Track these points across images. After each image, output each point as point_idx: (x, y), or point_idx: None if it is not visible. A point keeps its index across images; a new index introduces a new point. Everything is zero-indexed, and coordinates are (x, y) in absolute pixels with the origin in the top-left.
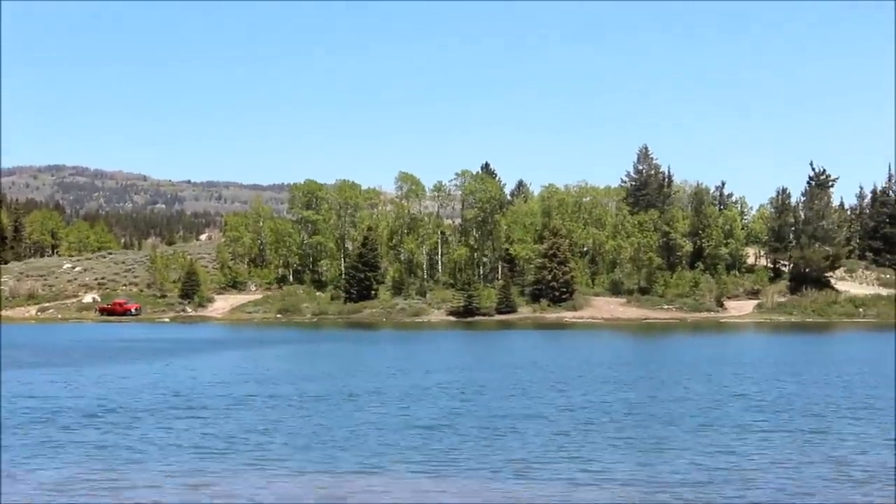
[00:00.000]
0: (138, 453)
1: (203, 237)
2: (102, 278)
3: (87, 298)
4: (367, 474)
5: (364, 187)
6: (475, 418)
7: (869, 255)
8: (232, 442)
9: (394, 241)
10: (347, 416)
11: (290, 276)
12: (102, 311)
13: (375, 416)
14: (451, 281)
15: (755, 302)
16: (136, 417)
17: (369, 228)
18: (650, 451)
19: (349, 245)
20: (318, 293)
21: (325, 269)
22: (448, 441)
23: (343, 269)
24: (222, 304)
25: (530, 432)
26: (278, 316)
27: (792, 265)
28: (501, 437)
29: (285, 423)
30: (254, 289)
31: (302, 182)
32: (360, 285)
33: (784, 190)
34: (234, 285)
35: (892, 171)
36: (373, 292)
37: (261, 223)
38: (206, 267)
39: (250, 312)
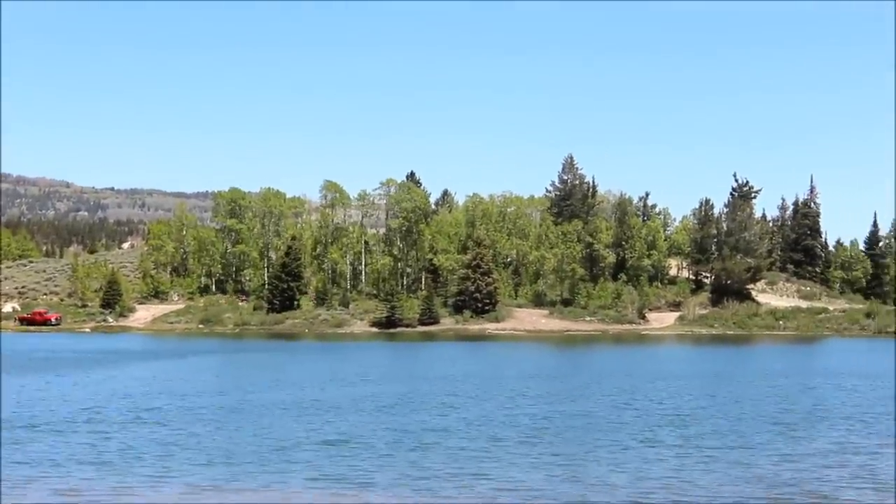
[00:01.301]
0: (32, 467)
1: (126, 245)
2: (23, 287)
3: (7, 308)
4: (263, 490)
5: (288, 196)
6: (385, 432)
7: (790, 267)
8: (132, 456)
9: (318, 250)
10: (256, 430)
11: (213, 286)
12: (22, 321)
13: (285, 430)
14: (375, 291)
15: (677, 314)
16: (37, 431)
17: (293, 237)
18: (548, 466)
19: (273, 254)
20: (240, 303)
21: (248, 278)
22: (353, 456)
23: (266, 278)
24: (144, 314)
25: (437, 447)
26: (200, 326)
27: (714, 277)
28: (411, 452)
29: (194, 437)
30: (176, 298)
31: (226, 190)
32: (283, 296)
33: (707, 201)
34: (157, 295)
35: (814, 183)
36: (296, 303)
37: (184, 231)
38: (129, 276)
39: (172, 323)
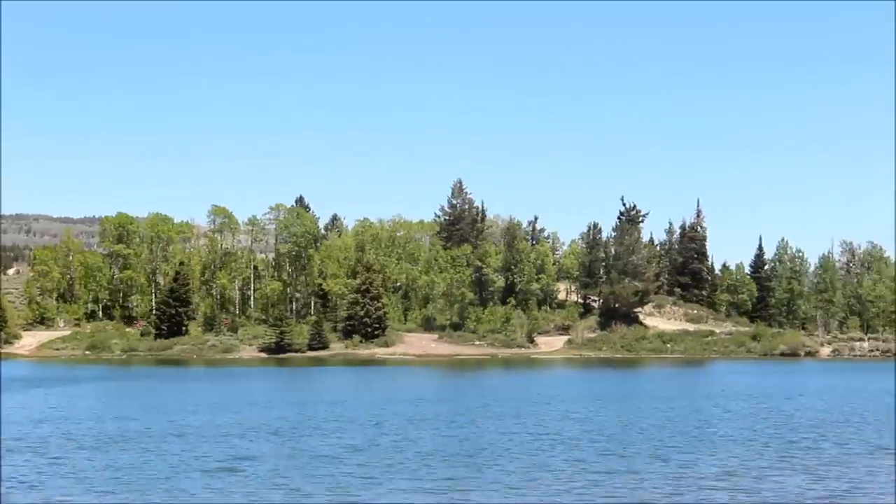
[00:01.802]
0: None
1: (11, 271)
2: None
3: None
4: None
5: (177, 221)
6: (270, 459)
7: (677, 290)
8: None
9: (206, 275)
10: (137, 458)
11: (100, 312)
12: None
13: (171, 456)
14: (264, 317)
15: (566, 337)
16: None
17: (181, 263)
18: (434, 493)
19: (161, 280)
20: (127, 329)
21: (135, 304)
22: (236, 483)
23: (154, 304)
24: (29, 341)
25: (324, 474)
26: (87, 353)
27: (602, 301)
28: (285, 478)
29: (71, 464)
30: (62, 325)
31: (114, 215)
32: (171, 321)
33: (595, 225)
34: (42, 321)
35: (700, 207)
36: (184, 328)
37: (70, 257)
38: (14, 302)
39: (58, 349)
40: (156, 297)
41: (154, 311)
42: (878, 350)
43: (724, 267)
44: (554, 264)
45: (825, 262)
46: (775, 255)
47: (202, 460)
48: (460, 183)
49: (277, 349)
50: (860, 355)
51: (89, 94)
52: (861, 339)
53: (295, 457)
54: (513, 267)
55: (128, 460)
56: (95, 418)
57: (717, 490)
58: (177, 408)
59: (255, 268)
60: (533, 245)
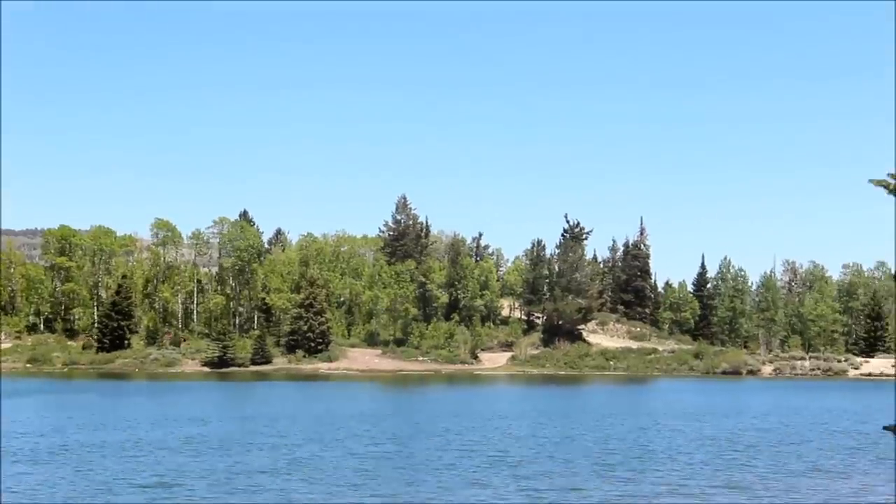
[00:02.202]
0: None
1: None
2: None
3: None
4: None
5: (119, 234)
6: (209, 475)
7: (621, 307)
8: None
9: (149, 289)
10: (74, 472)
11: (42, 325)
12: None
13: (105, 472)
14: (207, 331)
15: (509, 354)
16: None
17: (124, 276)
18: None
19: (103, 293)
20: (69, 342)
21: (77, 317)
22: (169, 500)
23: (96, 317)
24: None
25: (262, 489)
26: (28, 366)
27: (545, 317)
28: (231, 495)
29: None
30: (3, 337)
31: (56, 227)
32: (113, 335)
33: (539, 242)
34: None
35: (644, 225)
36: (126, 342)
37: (12, 269)
38: None
39: None
40: (98, 310)
41: (96, 325)
42: (819, 369)
43: (667, 285)
44: (498, 281)
45: (767, 281)
46: (718, 273)
47: (138, 475)
48: (405, 199)
49: (220, 363)
50: (801, 374)
51: (30, 105)
52: (802, 358)
53: (232, 472)
54: (457, 283)
55: (63, 474)
56: (33, 432)
57: None
58: (115, 422)
59: (199, 281)
60: (477, 261)
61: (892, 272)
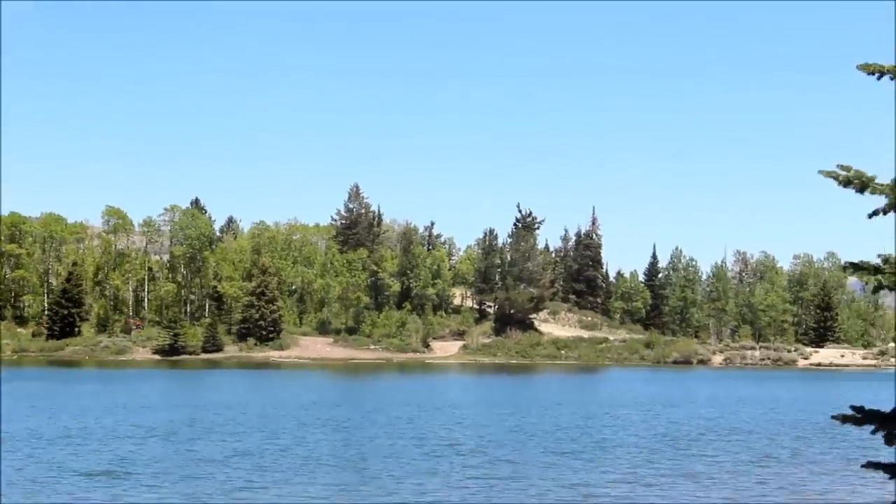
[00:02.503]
0: None
1: None
2: None
3: None
4: None
5: (70, 221)
6: (155, 463)
7: (572, 297)
8: None
9: (100, 276)
10: (21, 461)
11: None
12: None
13: (50, 461)
14: (158, 318)
15: (461, 343)
16: None
17: (74, 263)
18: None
19: (53, 280)
20: (19, 329)
21: (27, 304)
22: (113, 487)
23: (46, 305)
24: None
25: (209, 478)
26: None
27: (497, 307)
28: (179, 482)
29: None
30: None
31: (5, 214)
32: (63, 322)
33: (491, 231)
34: None
35: (596, 215)
36: (77, 329)
37: None
38: None
39: None
40: (48, 297)
41: (46, 312)
42: (769, 359)
43: (619, 274)
44: (450, 270)
45: (718, 271)
46: (669, 263)
47: (84, 463)
48: (357, 187)
49: (171, 351)
50: (751, 364)
51: None
52: (753, 348)
53: (179, 460)
54: (409, 272)
55: (8, 463)
56: None
57: (605, 497)
58: (63, 409)
59: (150, 269)
60: (429, 250)
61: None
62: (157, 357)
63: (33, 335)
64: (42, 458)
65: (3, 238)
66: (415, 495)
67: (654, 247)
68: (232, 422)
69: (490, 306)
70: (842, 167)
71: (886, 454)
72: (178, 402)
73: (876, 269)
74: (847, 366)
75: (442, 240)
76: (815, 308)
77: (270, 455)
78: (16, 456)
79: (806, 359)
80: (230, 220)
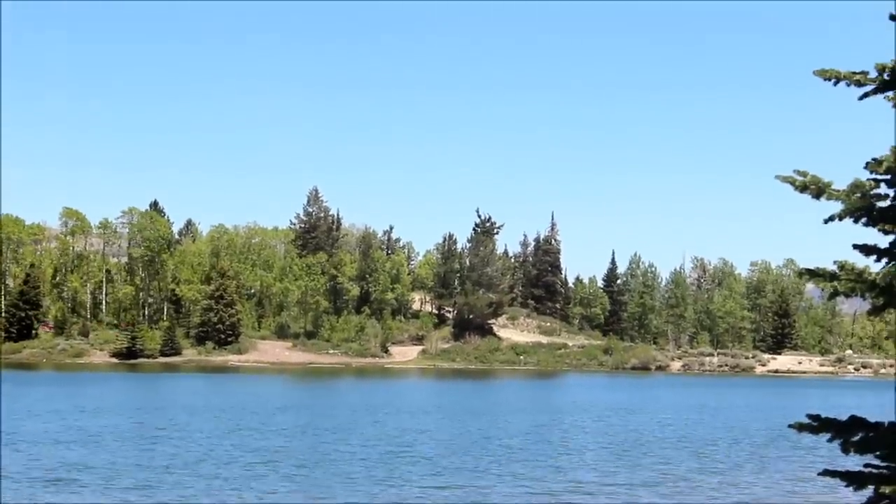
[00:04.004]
0: None
1: None
2: None
3: None
4: None
5: (28, 222)
6: (106, 468)
7: (531, 302)
8: None
9: (57, 278)
10: None
11: None
12: None
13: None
14: (116, 321)
15: (420, 347)
16: None
17: (32, 265)
18: None
19: (10, 282)
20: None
21: None
22: (63, 492)
23: (3, 307)
24: None
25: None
26: None
27: (456, 311)
28: (130, 490)
29: None
30: None
31: None
32: (20, 324)
33: (450, 236)
34: None
35: (555, 220)
36: (34, 332)
37: None
38: None
39: None
40: (5, 299)
41: (3, 315)
42: (727, 365)
43: (578, 280)
44: (409, 274)
45: (677, 278)
46: (628, 269)
47: (31, 469)
48: (316, 191)
49: (129, 354)
50: (709, 370)
51: None
52: (711, 355)
53: (128, 466)
54: (368, 276)
55: None
56: None
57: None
58: (14, 413)
59: (108, 272)
60: (388, 255)
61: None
62: (114, 360)
63: None
64: None
65: None
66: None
67: (613, 253)
68: (184, 427)
69: (449, 311)
70: (798, 172)
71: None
72: (131, 406)
73: (832, 276)
74: (804, 373)
75: (401, 244)
76: (772, 315)
77: (219, 461)
78: None
79: (764, 365)
80: (189, 223)
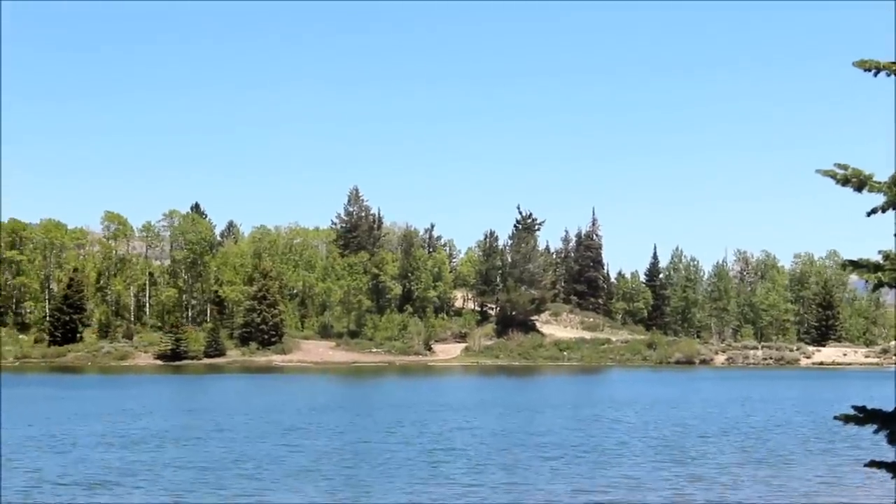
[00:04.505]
0: None
1: None
2: None
3: None
4: None
5: (70, 227)
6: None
7: (574, 298)
8: None
9: (101, 282)
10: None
11: None
12: None
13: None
14: (160, 323)
15: (463, 345)
16: None
17: (75, 269)
18: None
19: (55, 286)
20: (21, 336)
21: (28, 311)
22: (100, 497)
23: (48, 311)
24: None
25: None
26: None
27: (499, 308)
28: (174, 492)
29: None
30: None
31: (5, 221)
32: (65, 328)
33: (492, 233)
34: None
35: (596, 216)
36: (79, 335)
37: None
38: None
39: None
40: (49, 303)
41: (48, 318)
42: (771, 358)
43: (620, 275)
44: (451, 272)
45: (719, 271)
46: (670, 263)
47: (77, 472)
48: (357, 190)
49: (173, 356)
50: (754, 363)
51: None
52: (755, 348)
53: (174, 467)
54: (410, 274)
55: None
56: None
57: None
58: (62, 416)
59: (151, 274)
60: (430, 253)
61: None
62: (159, 362)
63: (35, 341)
64: (29, 467)
65: (3, 245)
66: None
67: (655, 247)
68: (231, 427)
69: (491, 308)
70: (839, 166)
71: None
72: (177, 408)
73: (876, 267)
74: (849, 364)
75: (442, 242)
76: (816, 307)
77: (266, 461)
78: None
79: (808, 358)
80: (230, 225)
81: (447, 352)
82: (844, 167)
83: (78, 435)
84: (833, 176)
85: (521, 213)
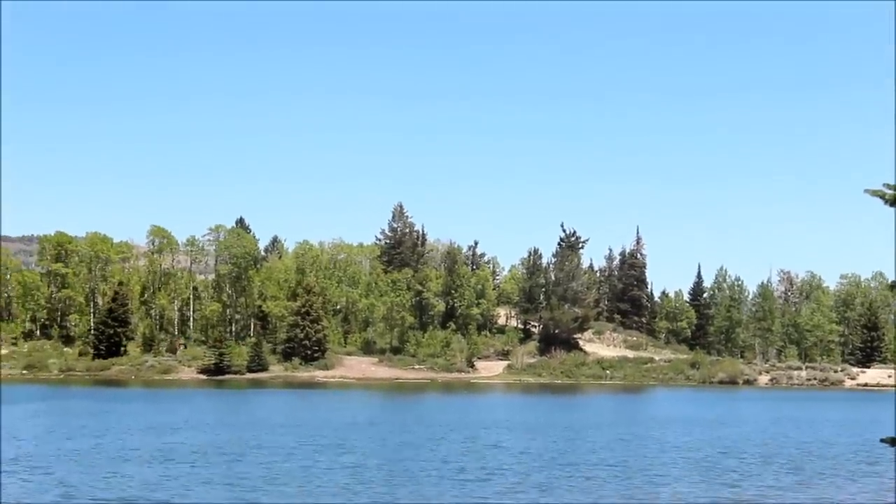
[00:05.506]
0: None
1: None
2: None
3: None
4: None
5: (116, 241)
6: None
7: (617, 317)
8: None
9: (145, 296)
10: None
11: (38, 331)
12: None
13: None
14: (203, 338)
15: (505, 362)
16: None
17: (120, 283)
18: None
19: (99, 299)
20: (65, 349)
21: (73, 324)
22: None
23: (92, 324)
24: None
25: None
26: (24, 372)
27: (542, 326)
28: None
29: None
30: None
31: (52, 234)
32: (109, 341)
33: (535, 251)
34: None
35: (640, 234)
36: (123, 349)
37: (8, 276)
38: None
39: None
40: (94, 317)
41: (92, 331)
42: (815, 379)
43: (664, 294)
44: (494, 289)
45: (764, 291)
46: (714, 282)
47: (115, 486)
48: (401, 207)
49: (217, 370)
50: (798, 384)
51: (26, 111)
52: (799, 368)
53: (219, 482)
54: (453, 291)
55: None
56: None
57: None
58: (105, 429)
59: (195, 289)
60: (473, 270)
61: (889, 282)
62: (202, 376)
63: (80, 354)
64: (69, 481)
65: (49, 258)
66: None
67: (699, 266)
68: (274, 443)
69: (534, 326)
70: (888, 186)
71: None
72: (221, 422)
73: None
74: (894, 386)
75: (486, 259)
76: (861, 328)
77: (310, 476)
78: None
79: (853, 379)
80: (274, 240)
81: (490, 369)
82: (893, 187)
83: (116, 448)
84: (882, 196)
85: (564, 230)
